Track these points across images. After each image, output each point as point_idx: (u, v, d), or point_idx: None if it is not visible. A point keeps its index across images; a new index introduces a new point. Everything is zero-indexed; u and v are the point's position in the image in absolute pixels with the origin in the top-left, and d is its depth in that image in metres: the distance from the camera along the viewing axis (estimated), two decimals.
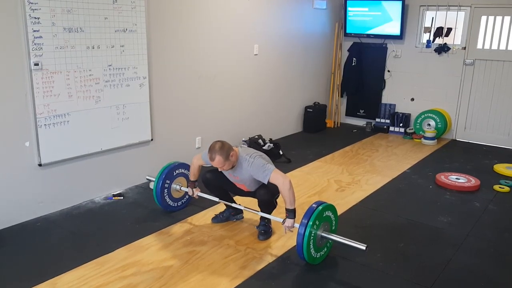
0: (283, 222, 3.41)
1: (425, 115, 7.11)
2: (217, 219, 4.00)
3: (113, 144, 4.49)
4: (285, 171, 5.30)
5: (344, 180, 5.17)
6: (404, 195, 4.83)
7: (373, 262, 3.41)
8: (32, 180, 3.93)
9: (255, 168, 3.44)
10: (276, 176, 3.37)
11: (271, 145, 5.90)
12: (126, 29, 4.38)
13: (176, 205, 4.20)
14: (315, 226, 3.18)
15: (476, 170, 5.59)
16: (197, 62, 5.31)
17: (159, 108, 4.92)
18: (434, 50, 7.09)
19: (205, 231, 3.83)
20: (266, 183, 3.43)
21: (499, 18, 6.58)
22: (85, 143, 4.23)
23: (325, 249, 3.39)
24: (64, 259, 3.33)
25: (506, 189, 4.95)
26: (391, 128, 7.57)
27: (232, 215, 4.02)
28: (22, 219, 3.91)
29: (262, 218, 3.78)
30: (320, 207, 3.24)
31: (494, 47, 6.69)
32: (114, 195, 4.52)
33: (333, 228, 3.44)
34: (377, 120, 7.80)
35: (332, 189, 4.89)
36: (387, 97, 7.76)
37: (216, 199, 3.90)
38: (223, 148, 3.38)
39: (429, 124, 7.08)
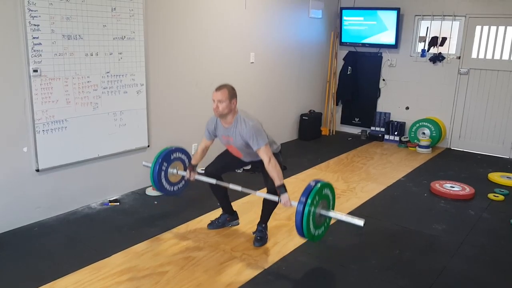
0: (279, 201, 3.40)
1: (420, 123, 7.17)
2: (213, 225, 4.02)
3: (110, 150, 4.51)
4: None
5: (339, 188, 5.20)
6: (399, 203, 4.87)
7: (369, 269, 3.43)
8: (30, 185, 3.94)
9: (250, 130, 3.45)
10: (266, 150, 3.44)
11: None
12: (124, 37, 4.42)
13: (172, 189, 4.09)
14: (314, 203, 3.14)
15: (471, 179, 5.64)
16: (194, 70, 5.35)
17: (156, 114, 4.95)
18: (429, 59, 7.17)
19: (201, 237, 3.85)
20: (255, 150, 3.45)
21: (493, 28, 6.67)
22: (83, 149, 4.25)
23: (323, 228, 3.36)
24: (60, 264, 3.34)
25: (501, 197, 4.99)
26: (386, 136, 7.62)
27: (228, 221, 4.04)
28: (19, 224, 3.92)
29: (259, 223, 3.81)
30: (319, 185, 3.20)
31: (489, 56, 6.78)
32: (110, 201, 4.53)
33: (331, 206, 3.42)
34: (372, 128, 7.87)
35: None
36: (382, 106, 7.82)
37: (213, 181, 3.81)
38: (233, 89, 3.52)
39: (423, 133, 7.14)
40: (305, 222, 3.11)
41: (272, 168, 3.40)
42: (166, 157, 4.00)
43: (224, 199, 3.99)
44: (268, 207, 3.76)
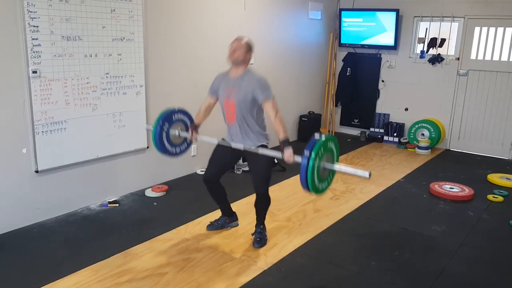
0: (283, 155, 3.34)
1: (419, 124, 7.17)
2: (212, 226, 4.02)
3: (109, 152, 4.51)
4: (280, 179, 5.36)
5: (338, 189, 5.19)
6: (399, 204, 4.87)
7: (368, 270, 3.43)
8: (29, 186, 3.94)
9: (259, 80, 3.50)
10: (273, 104, 3.48)
11: None
12: (124, 38, 4.42)
13: (174, 151, 3.95)
14: (319, 155, 3.07)
15: (470, 180, 5.64)
16: (193, 71, 5.35)
17: (155, 116, 4.86)
18: (428, 60, 7.17)
19: (200, 239, 3.84)
20: (261, 101, 3.46)
21: (492, 29, 6.68)
22: (82, 150, 4.24)
23: (327, 182, 3.30)
24: (59, 266, 3.33)
25: (500, 198, 4.99)
26: (385, 138, 7.63)
27: (227, 222, 4.04)
28: (18, 226, 3.91)
29: (257, 225, 3.81)
30: (323, 137, 3.13)
31: (488, 57, 6.78)
32: (109, 202, 4.52)
33: (335, 159, 3.35)
34: (372, 129, 7.87)
35: (326, 197, 4.90)
36: (381, 107, 7.83)
37: (215, 141, 3.74)
38: (251, 44, 3.57)
39: (423, 134, 7.14)
40: (310, 176, 3.02)
41: (278, 121, 3.43)
42: (168, 118, 3.83)
43: (223, 202, 3.97)
44: (260, 206, 3.73)
